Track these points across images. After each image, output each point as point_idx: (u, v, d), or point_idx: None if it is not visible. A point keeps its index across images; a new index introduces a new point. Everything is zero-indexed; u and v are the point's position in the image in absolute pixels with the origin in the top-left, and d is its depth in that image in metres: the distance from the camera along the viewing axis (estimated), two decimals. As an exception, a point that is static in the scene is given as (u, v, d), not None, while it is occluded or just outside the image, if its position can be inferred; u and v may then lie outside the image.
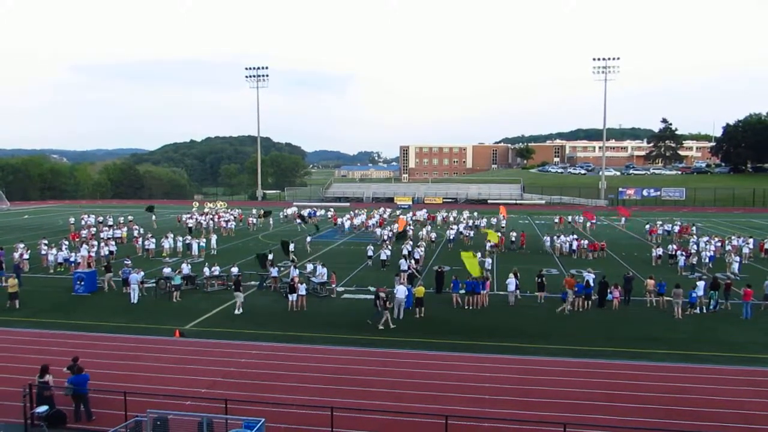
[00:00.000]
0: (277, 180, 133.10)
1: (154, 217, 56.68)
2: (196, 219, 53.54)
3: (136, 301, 25.48)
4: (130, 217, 55.30)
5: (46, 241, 36.31)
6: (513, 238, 42.22)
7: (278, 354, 18.88)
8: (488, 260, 32.42)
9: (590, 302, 24.49)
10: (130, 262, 31.75)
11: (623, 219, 56.48)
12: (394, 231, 43.56)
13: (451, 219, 57.69)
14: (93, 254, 34.00)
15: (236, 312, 23.70)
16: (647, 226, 48.96)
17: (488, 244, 38.07)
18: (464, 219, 56.46)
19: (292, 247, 36.00)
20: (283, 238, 38.48)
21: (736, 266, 31.98)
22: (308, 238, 41.74)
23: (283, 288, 26.22)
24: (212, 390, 15.85)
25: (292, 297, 24.13)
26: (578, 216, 56.83)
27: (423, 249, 37.04)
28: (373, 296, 26.81)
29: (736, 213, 75.29)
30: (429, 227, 49.47)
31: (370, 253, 35.41)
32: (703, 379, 16.90)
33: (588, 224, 52.73)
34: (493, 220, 55.57)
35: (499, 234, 43.62)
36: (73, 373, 14.55)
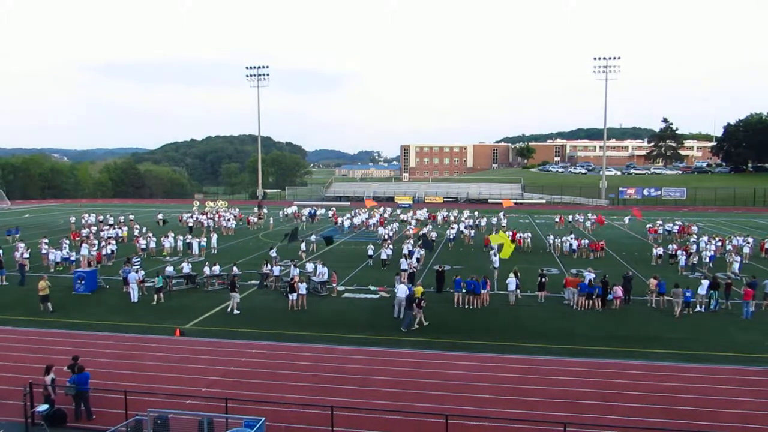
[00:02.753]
0: (277, 179, 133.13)
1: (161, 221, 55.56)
2: (197, 218, 53.56)
3: (136, 300, 25.51)
4: (131, 216, 55.34)
5: (46, 240, 36.35)
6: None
7: (278, 353, 18.89)
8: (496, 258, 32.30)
9: (592, 302, 24.47)
10: (139, 260, 31.90)
11: (627, 218, 56.76)
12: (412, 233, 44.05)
13: (452, 218, 57.69)
14: (101, 252, 34.20)
15: (233, 312, 23.60)
16: (647, 226, 48.99)
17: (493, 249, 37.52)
18: (465, 218, 56.44)
19: (303, 246, 36.02)
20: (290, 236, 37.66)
21: (736, 266, 31.96)
22: (312, 237, 41.72)
23: (284, 287, 26.23)
24: (212, 389, 15.86)
25: (293, 296, 24.14)
26: (579, 215, 56.93)
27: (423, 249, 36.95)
28: (383, 298, 26.87)
29: (736, 213, 75.26)
30: (430, 226, 49.50)
31: (370, 252, 35.43)
32: (702, 379, 16.90)
33: (588, 224, 52.74)
34: (494, 220, 55.53)
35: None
36: (74, 372, 14.57)
